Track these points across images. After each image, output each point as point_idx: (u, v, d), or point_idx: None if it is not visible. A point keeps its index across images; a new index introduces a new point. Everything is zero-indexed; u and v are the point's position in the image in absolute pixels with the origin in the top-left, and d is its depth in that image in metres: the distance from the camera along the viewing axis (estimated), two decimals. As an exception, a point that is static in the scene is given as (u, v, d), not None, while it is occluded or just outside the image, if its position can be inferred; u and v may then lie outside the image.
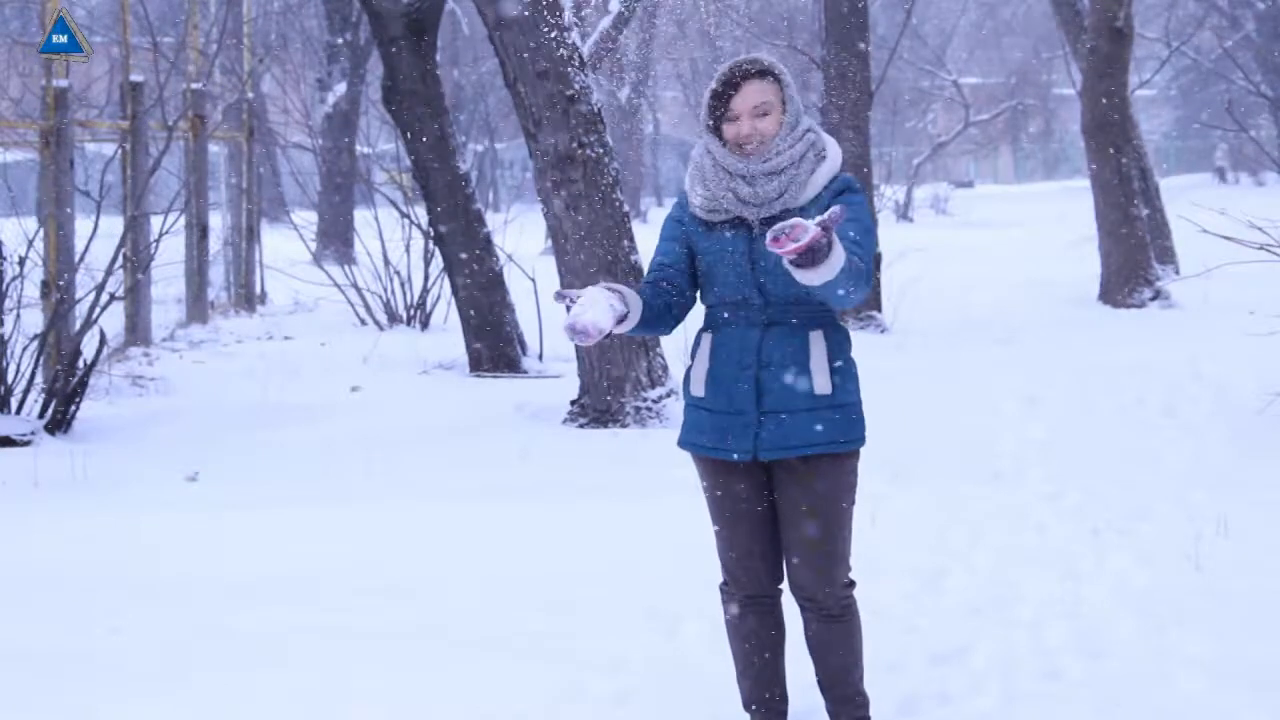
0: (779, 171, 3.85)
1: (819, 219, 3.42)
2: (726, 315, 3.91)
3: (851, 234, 3.77)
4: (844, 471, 3.93)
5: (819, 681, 4.10)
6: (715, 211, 3.89)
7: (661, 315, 3.90)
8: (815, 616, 4.02)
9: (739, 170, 3.85)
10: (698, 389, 3.95)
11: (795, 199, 3.86)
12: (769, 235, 3.42)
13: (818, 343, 3.87)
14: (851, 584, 4.03)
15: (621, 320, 3.72)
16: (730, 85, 3.86)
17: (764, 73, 3.87)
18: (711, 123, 3.91)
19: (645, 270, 4.07)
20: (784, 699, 4.15)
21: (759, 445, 3.86)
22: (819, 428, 3.85)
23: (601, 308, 3.64)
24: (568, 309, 3.64)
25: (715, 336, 3.93)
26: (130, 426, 9.40)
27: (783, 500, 3.94)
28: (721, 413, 3.90)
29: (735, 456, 3.89)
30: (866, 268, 3.71)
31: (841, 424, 3.88)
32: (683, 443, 4.04)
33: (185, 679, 4.76)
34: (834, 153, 3.92)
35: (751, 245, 3.86)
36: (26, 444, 8.78)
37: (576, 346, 9.41)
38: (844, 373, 3.91)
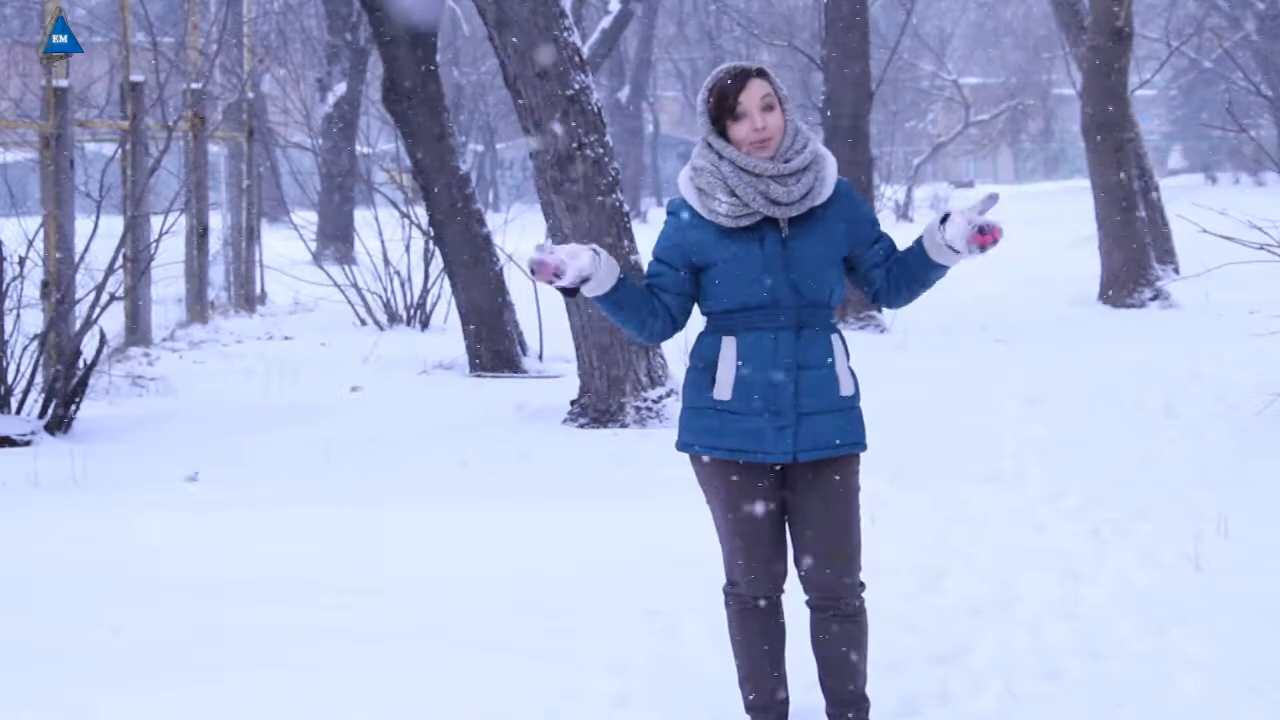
0: (805, 169, 3.89)
1: (980, 206, 3.74)
2: (751, 319, 3.87)
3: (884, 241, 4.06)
4: (858, 470, 4.02)
5: (824, 684, 4.10)
6: (744, 216, 3.86)
7: (643, 306, 3.93)
8: (831, 617, 4.03)
9: (768, 171, 3.84)
10: (723, 393, 3.88)
11: (819, 196, 3.90)
12: (978, 230, 3.75)
13: (838, 345, 3.96)
14: (863, 584, 4.06)
15: (586, 280, 3.80)
16: (736, 80, 3.86)
17: (760, 72, 3.91)
18: (716, 128, 3.90)
19: (645, 269, 4.06)
20: (786, 700, 4.15)
21: (798, 446, 3.88)
22: (848, 427, 3.94)
23: (579, 258, 3.76)
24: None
25: (740, 341, 3.87)
26: (130, 426, 9.40)
27: (806, 501, 3.96)
28: (754, 415, 3.87)
29: (774, 459, 3.88)
30: None
31: (861, 423, 4.00)
32: (693, 447, 3.97)
33: (185, 679, 4.75)
34: (826, 150, 4.00)
35: (784, 246, 3.87)
36: (26, 444, 8.78)
37: (577, 346, 9.41)
38: (855, 374, 4.01)
